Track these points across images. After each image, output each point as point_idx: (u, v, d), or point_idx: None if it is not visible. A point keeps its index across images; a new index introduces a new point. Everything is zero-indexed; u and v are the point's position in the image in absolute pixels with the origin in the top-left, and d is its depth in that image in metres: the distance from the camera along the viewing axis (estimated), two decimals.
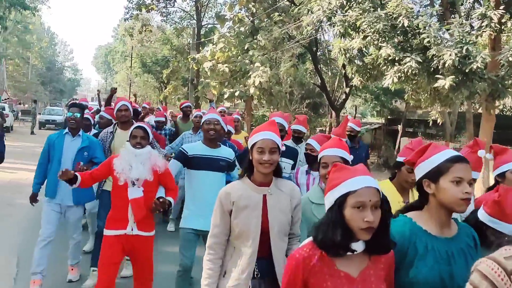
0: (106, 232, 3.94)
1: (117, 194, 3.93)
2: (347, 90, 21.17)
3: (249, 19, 18.89)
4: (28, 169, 11.41)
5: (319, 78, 21.04)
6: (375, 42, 8.30)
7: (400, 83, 8.15)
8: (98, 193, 5.17)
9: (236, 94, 17.25)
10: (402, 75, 7.76)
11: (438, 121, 13.16)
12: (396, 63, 7.92)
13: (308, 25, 10.26)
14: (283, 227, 2.64)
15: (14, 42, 43.25)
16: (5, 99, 27.34)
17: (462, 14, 11.22)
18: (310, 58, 20.48)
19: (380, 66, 8.54)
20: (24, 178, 10.91)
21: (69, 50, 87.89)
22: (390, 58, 7.89)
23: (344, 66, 21.87)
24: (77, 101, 7.73)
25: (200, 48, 25.80)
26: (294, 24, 15.16)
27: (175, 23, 30.38)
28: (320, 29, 20.74)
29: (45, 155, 4.86)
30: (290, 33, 17.00)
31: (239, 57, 17.66)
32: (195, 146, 4.31)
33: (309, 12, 10.82)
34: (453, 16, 10.80)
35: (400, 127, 26.21)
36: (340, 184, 1.86)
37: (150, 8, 26.66)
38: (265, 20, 17.99)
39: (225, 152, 4.32)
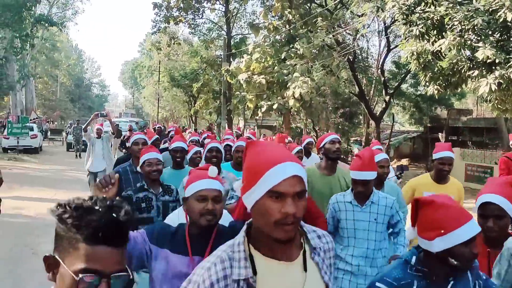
0: None
1: None
2: (387, 98, 20.01)
3: (285, 27, 17.90)
4: (57, 199, 9.74)
5: (356, 87, 19.95)
6: (469, 42, 7.00)
7: (501, 90, 6.85)
8: None
9: (274, 107, 16.21)
10: (505, 81, 6.48)
11: None
12: (495, 67, 6.63)
13: (363, 28, 9.01)
14: None
15: (42, 60, 43.41)
16: (34, 119, 26.93)
17: None
18: (347, 66, 19.43)
19: (464, 71, 7.28)
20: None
21: (96, 66, 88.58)
22: (488, 61, 6.60)
23: (383, 71, 21.08)
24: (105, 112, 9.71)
25: (231, 59, 24.94)
26: (340, 30, 14.07)
27: (204, 35, 29.63)
28: (358, 34, 19.86)
29: None
30: (330, 40, 15.90)
31: (276, 67, 16.65)
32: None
33: (356, 16, 9.60)
34: None
35: (442, 135, 24.84)
36: None
37: (178, 20, 25.94)
38: (302, 27, 16.97)
39: None
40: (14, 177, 13.06)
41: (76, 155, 22.45)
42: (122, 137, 11.09)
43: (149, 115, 57.68)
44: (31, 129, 21.72)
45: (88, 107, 69.01)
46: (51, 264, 1.31)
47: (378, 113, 21.03)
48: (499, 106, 8.20)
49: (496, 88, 6.61)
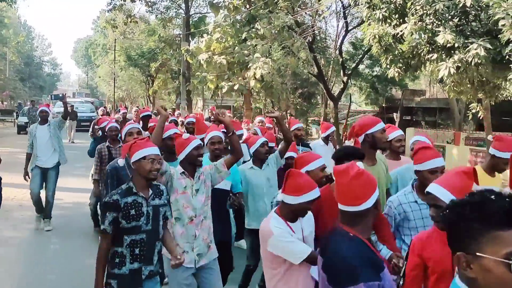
0: None
1: None
2: (345, 79, 20.36)
3: (246, 7, 17.80)
4: (14, 184, 9.36)
5: (315, 67, 20.16)
6: (429, 27, 7.21)
7: (459, 73, 7.13)
8: None
9: (235, 87, 16.19)
10: (463, 65, 6.75)
11: (480, 114, 11.98)
12: (454, 51, 6.88)
13: (324, 11, 9.09)
14: None
15: None
16: None
17: None
18: (306, 47, 19.57)
19: (423, 54, 7.51)
20: (10, 198, 8.91)
21: (47, 44, 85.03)
22: (448, 45, 6.85)
23: (341, 52, 21.38)
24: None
25: (190, 39, 24.60)
26: (301, 11, 14.09)
27: (161, 13, 28.99)
28: (318, 16, 20.02)
29: None
30: (290, 21, 15.95)
31: (236, 47, 16.57)
32: None
33: None
34: None
35: (396, 115, 25.59)
36: None
37: None
38: (262, 7, 16.92)
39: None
40: None
41: None
42: (93, 122, 9.27)
43: (105, 95, 56.23)
44: None
45: (40, 87, 66.44)
46: (464, 262, 1.34)
47: (336, 93, 21.38)
48: (455, 88, 8.57)
49: (455, 71, 6.91)
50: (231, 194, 4.72)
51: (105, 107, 26.26)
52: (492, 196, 1.32)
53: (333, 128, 6.73)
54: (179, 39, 27.14)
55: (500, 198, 1.31)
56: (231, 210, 4.97)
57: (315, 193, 2.85)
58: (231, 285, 4.65)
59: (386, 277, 1.97)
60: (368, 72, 27.49)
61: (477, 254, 1.30)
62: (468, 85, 8.63)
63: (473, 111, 13.00)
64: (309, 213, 3.06)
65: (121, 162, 3.70)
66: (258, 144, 4.77)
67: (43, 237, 7.11)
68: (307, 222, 3.07)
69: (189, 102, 24.02)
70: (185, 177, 3.75)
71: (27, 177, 7.47)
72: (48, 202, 7.44)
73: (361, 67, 25.25)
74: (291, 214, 2.91)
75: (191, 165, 3.76)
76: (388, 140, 3.98)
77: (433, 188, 2.39)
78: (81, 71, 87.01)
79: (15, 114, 32.55)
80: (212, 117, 5.78)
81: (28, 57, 64.12)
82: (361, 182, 2.07)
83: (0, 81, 48.40)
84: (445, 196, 2.30)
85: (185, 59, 19.65)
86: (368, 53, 20.39)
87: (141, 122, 7.10)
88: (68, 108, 7.69)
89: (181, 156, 3.79)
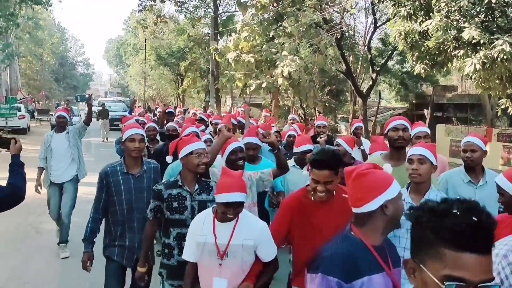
0: None
1: None
2: (374, 75, 20.23)
3: (273, 5, 17.91)
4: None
5: (343, 64, 20.11)
6: (455, 23, 7.20)
7: (485, 69, 7.10)
8: None
9: (263, 85, 16.34)
10: (488, 61, 6.74)
11: (510, 110, 11.81)
12: (480, 47, 6.86)
13: (351, 7, 9.12)
14: None
15: (26, 39, 42.70)
16: (20, 99, 26.74)
17: None
18: (334, 44, 19.53)
19: (449, 50, 7.49)
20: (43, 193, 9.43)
21: (80, 44, 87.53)
22: (473, 41, 6.84)
23: (370, 49, 21.21)
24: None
25: (219, 38, 24.88)
26: (327, 8, 14.11)
27: (190, 12, 29.41)
28: (346, 12, 19.93)
29: None
30: (318, 18, 15.99)
31: (264, 46, 16.73)
32: None
33: None
34: None
35: (427, 111, 25.23)
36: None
37: None
38: (290, 5, 17.01)
39: None
40: (6, 158, 13.13)
41: None
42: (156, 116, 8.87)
43: (135, 94, 57.31)
44: (19, 109, 21.62)
45: (73, 87, 68.26)
46: (410, 268, 1.29)
47: (365, 90, 21.27)
48: (482, 84, 8.49)
49: (480, 67, 6.87)
50: (270, 193, 4.69)
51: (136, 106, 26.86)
52: (457, 211, 1.20)
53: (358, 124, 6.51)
54: (207, 38, 27.49)
55: (465, 215, 1.19)
56: (270, 210, 4.87)
57: (232, 196, 2.64)
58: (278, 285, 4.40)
59: (373, 282, 1.87)
60: (398, 68, 27.18)
61: (420, 265, 1.26)
62: (497, 81, 8.53)
63: (502, 106, 12.78)
64: (261, 223, 2.87)
65: (168, 159, 3.69)
66: (305, 148, 4.64)
67: (82, 231, 7.44)
68: (251, 231, 2.78)
69: (217, 100, 24.31)
70: None
71: (39, 188, 6.35)
72: (63, 223, 6.28)
73: (390, 63, 25.02)
74: (220, 212, 2.74)
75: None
76: (410, 136, 3.87)
77: (499, 179, 2.80)
78: (113, 71, 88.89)
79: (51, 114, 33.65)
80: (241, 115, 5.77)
81: (62, 58, 65.97)
82: (363, 183, 1.96)
83: (36, 82, 50.00)
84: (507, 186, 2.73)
85: (213, 58, 19.89)
86: (398, 49, 20.22)
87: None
88: (97, 108, 7.22)
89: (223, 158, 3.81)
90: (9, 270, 5.58)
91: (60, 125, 6.39)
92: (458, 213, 1.19)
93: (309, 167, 2.85)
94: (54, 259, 6.14)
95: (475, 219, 1.17)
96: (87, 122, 6.49)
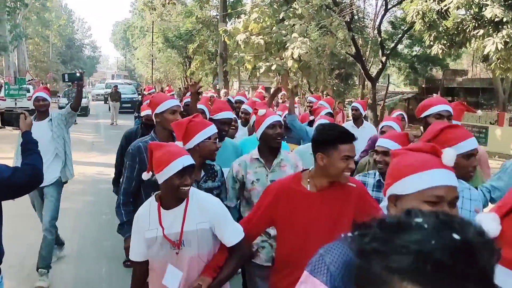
0: None
1: None
2: (383, 59, 20.02)
3: None
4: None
5: (353, 47, 19.91)
6: (477, 1, 7.03)
7: (507, 49, 6.96)
8: None
9: (273, 68, 16.19)
10: (511, 40, 6.58)
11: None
12: (502, 26, 6.71)
13: None
14: None
15: (33, 20, 42.58)
16: (29, 81, 26.73)
17: None
18: (344, 26, 19.32)
19: (468, 30, 7.36)
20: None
21: (86, 27, 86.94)
22: (496, 19, 6.68)
23: (380, 32, 20.98)
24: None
25: (227, 19, 24.66)
26: None
27: None
28: None
29: None
30: (327, 0, 15.77)
31: (274, 27, 16.55)
32: None
33: None
34: None
35: (437, 96, 25.04)
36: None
37: None
38: None
39: None
40: (9, 136, 13.38)
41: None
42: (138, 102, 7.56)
43: (142, 76, 57.18)
44: (28, 90, 21.60)
45: (80, 69, 68.20)
46: None
47: (374, 74, 21.09)
48: (501, 65, 8.35)
49: (502, 47, 6.74)
50: None
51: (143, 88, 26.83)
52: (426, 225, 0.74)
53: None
54: (216, 20, 27.25)
55: (439, 231, 0.73)
56: None
57: (186, 159, 2.30)
58: None
59: None
60: (408, 52, 26.92)
61: None
62: None
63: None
64: (213, 199, 2.51)
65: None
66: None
67: (94, 208, 7.66)
68: (204, 212, 2.37)
69: (226, 83, 24.19)
70: (259, 165, 3.25)
71: None
72: (44, 239, 4.76)
73: (400, 47, 24.75)
74: (172, 189, 2.31)
75: (269, 148, 3.25)
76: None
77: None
78: (120, 54, 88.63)
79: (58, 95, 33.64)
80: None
81: (69, 40, 65.78)
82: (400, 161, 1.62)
83: (43, 64, 49.99)
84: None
85: (222, 40, 19.74)
86: (408, 33, 19.96)
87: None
88: (106, 91, 5.50)
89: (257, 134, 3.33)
90: (25, 248, 5.61)
91: (40, 110, 4.90)
92: (427, 226, 0.73)
93: (329, 145, 2.32)
94: (70, 235, 6.21)
95: (457, 237, 0.70)
96: (75, 107, 5.00)
